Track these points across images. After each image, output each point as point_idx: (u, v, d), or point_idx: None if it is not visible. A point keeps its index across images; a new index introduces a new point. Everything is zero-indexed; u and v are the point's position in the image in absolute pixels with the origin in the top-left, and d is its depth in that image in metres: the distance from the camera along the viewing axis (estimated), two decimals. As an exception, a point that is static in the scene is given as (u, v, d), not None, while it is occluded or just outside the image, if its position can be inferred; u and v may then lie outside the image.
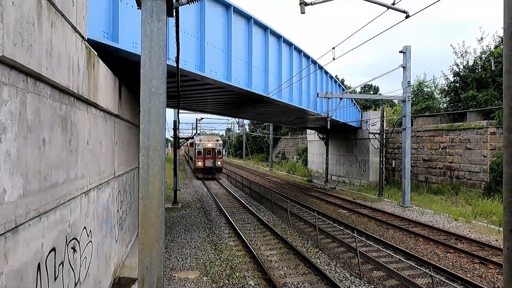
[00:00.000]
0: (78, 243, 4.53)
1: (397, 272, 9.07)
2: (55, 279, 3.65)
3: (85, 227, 4.84)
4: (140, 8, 3.32)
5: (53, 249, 3.60)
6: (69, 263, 4.16)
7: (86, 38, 4.71)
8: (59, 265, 3.80)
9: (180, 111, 15.31)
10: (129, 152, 8.88)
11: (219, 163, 34.00)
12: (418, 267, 8.31)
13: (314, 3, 5.66)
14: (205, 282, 8.68)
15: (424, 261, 10.08)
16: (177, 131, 20.25)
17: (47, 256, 3.45)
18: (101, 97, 5.52)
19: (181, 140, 22.13)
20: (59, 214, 3.79)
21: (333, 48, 6.39)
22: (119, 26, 6.18)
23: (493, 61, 21.19)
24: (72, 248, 4.26)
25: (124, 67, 7.31)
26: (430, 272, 7.03)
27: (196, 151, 33.36)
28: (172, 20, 5.67)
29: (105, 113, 6.07)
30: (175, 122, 20.68)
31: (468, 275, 9.28)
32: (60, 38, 3.60)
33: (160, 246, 3.21)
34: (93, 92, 5.01)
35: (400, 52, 20.02)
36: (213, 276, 9.08)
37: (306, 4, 5.44)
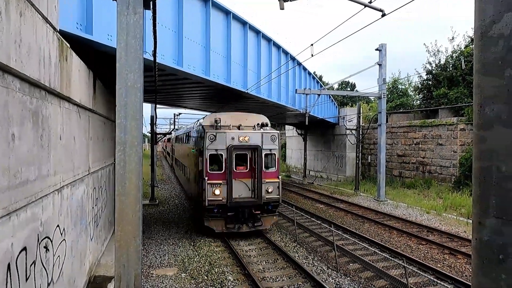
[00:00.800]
0: (51, 242, 4.38)
1: (372, 264, 9.35)
2: (27, 279, 3.53)
3: (58, 226, 4.69)
4: (116, 0, 3.22)
5: (24, 249, 3.47)
6: (42, 262, 4.02)
7: (58, 30, 4.52)
8: (31, 264, 3.66)
9: (157, 106, 15.02)
10: (104, 148, 8.65)
11: (271, 189, 12.12)
12: (392, 258, 8.59)
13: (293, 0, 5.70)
14: (184, 279, 8.62)
15: (398, 253, 10.44)
16: (154, 127, 19.89)
17: (18, 256, 3.32)
18: (75, 91, 5.34)
19: (158, 136, 21.74)
20: (30, 213, 3.65)
21: (312, 44, 6.45)
22: (93, 18, 5.97)
23: (463, 60, 22.04)
24: (44, 247, 4.12)
25: (99, 60, 7.09)
26: (403, 264, 7.29)
27: (206, 154, 11.55)
28: (148, 13, 5.54)
29: (79, 107, 5.88)
30: (152, 117, 20.30)
31: (439, 265, 9.69)
32: (30, 29, 3.44)
33: (137, 243, 3.16)
34: (66, 86, 4.83)
35: (376, 49, 20.47)
36: (191, 272, 9.03)
37: (285, 0, 5.46)
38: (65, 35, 5.17)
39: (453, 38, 26.87)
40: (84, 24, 5.90)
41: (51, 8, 4.25)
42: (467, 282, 8.24)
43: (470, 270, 9.35)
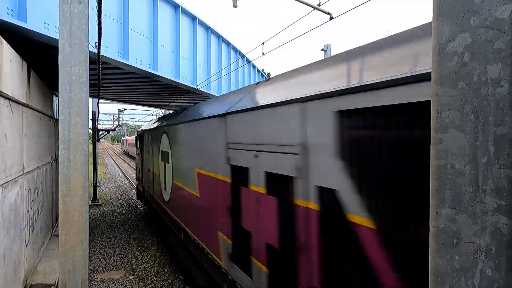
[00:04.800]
0: (-20, 250, 3.96)
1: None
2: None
3: (-12, 232, 4.25)
4: (57, -14, 2.99)
5: None
6: (-31, 273, 3.62)
7: (-14, 15, 4.08)
8: (-44, 277, 3.28)
9: (100, 101, 14.20)
10: (40, 146, 7.97)
11: None
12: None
13: (247, -2, 5.72)
14: (131, 281, 8.30)
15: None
16: (96, 123, 18.74)
17: None
18: (6, 83, 4.84)
19: (100, 133, 20.54)
20: (-45, 219, 3.27)
21: (263, 43, 6.55)
22: (26, 3, 5.46)
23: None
24: (-28, 256, 3.71)
25: (34, 50, 6.50)
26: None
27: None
28: (91, 2, 5.21)
29: (11, 101, 5.35)
30: (94, 112, 19.08)
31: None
32: (-47, 13, 3.06)
33: (84, 247, 2.99)
34: (-4, 78, 4.37)
35: (322, 50, 21.35)
36: (140, 274, 8.72)
37: (238, -2, 5.48)
38: (-6, 21, 4.68)
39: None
40: (16, 10, 5.37)
41: (-22, -10, 3.81)
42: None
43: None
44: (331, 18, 5.33)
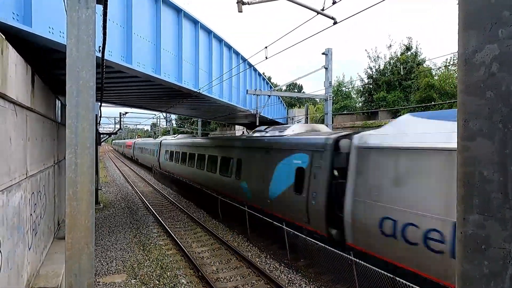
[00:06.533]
0: (-15, 254, 3.96)
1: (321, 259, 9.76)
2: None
3: (-7, 235, 4.25)
4: (65, -8, 3.02)
5: (-46, 263, 3.11)
6: (-26, 277, 3.62)
7: (-7, 20, 4.11)
8: (-38, 280, 3.29)
9: (102, 104, 14.23)
10: (43, 149, 7.98)
11: None
12: (340, 252, 9.05)
13: (251, 3, 5.74)
14: (134, 285, 8.28)
15: (344, 247, 11.02)
16: (98, 126, 18.78)
17: None
18: (11, 87, 4.87)
19: (102, 136, 20.58)
20: (-39, 222, 3.28)
21: (266, 47, 6.57)
22: (32, 8, 5.49)
23: (402, 68, 24.00)
24: (-23, 260, 3.71)
25: (38, 54, 6.54)
26: (351, 257, 7.73)
27: None
28: (98, 7, 5.24)
29: (15, 105, 5.37)
30: (96, 116, 19.12)
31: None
32: (-39, 18, 3.09)
33: (90, 250, 2.99)
34: (2, 82, 4.40)
35: (323, 54, 21.39)
36: (142, 277, 8.70)
37: (244, 3, 5.50)
38: (0, 27, 4.71)
39: (390, 45, 29.05)
40: (21, 14, 5.41)
41: (-15, -4, 3.84)
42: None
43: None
44: (335, 23, 5.36)
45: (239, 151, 14.72)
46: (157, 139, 37.41)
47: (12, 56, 4.95)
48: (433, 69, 24.69)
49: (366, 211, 7.37)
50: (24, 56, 5.73)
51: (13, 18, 5.27)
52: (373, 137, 7.61)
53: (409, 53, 27.48)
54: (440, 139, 6.02)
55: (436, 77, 23.68)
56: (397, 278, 6.07)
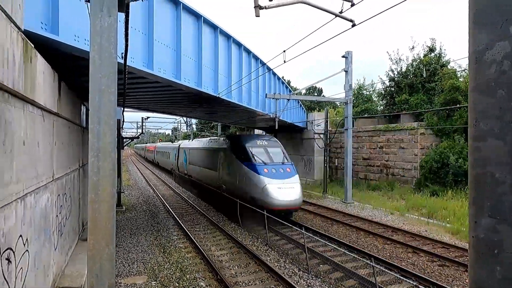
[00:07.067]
0: (14, 253, 4.13)
1: (342, 264, 9.61)
2: (-12, 294, 3.30)
3: (21, 236, 4.43)
4: (88, 1, 3.13)
5: (-15, 262, 3.25)
6: (3, 275, 3.78)
7: (23, 30, 4.31)
8: (-8, 278, 3.44)
9: (125, 109, 14.60)
10: (68, 153, 8.27)
11: None
12: (361, 258, 8.89)
13: (269, 7, 5.78)
14: (154, 287, 8.41)
15: (365, 253, 10.81)
16: (121, 131, 19.29)
17: (-22, 270, 3.10)
18: (39, 93, 5.09)
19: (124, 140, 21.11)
20: (-8, 223, 3.43)
21: (284, 51, 6.58)
22: (59, 18, 5.73)
23: (424, 69, 23.38)
24: (6, 259, 3.87)
25: (64, 61, 6.80)
26: (371, 263, 7.57)
27: None
28: (120, 14, 5.41)
29: (43, 111, 5.60)
30: (118, 121, 19.67)
31: (403, 263, 10.15)
32: (-6, 29, 3.26)
33: (111, 251, 3.07)
34: (30, 88, 4.60)
35: (343, 57, 21.16)
36: (162, 280, 8.83)
37: (261, 8, 5.54)
38: (29, 35, 4.93)
39: (413, 47, 28.39)
40: (49, 24, 5.65)
41: (16, 7, 4.04)
42: (429, 279, 8.70)
43: (432, 267, 9.89)
44: (353, 25, 5.30)
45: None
46: (175, 143, 42.04)
47: (40, 64, 5.18)
48: (458, 71, 23.94)
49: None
50: (51, 63, 5.98)
51: (42, 28, 5.51)
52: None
53: (432, 54, 26.78)
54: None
55: (461, 79, 22.94)
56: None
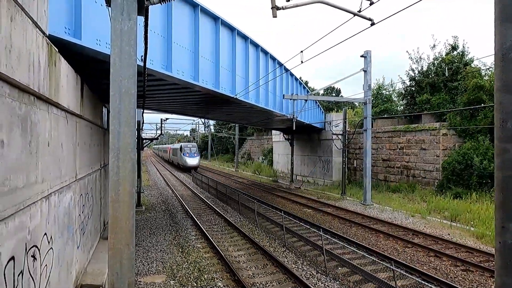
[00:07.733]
0: (39, 250, 4.27)
1: (361, 267, 9.45)
2: (14, 289, 3.42)
3: (45, 234, 4.58)
4: (109, 6, 3.21)
5: (12, 258, 3.38)
6: (29, 272, 3.92)
7: (48, 34, 4.47)
8: (19, 274, 3.57)
9: (144, 111, 14.88)
10: (90, 154, 8.50)
11: None
12: (380, 262, 8.72)
13: (286, 8, 5.76)
14: (173, 286, 8.52)
15: (385, 256, 10.59)
16: (140, 132, 19.68)
17: (6, 266, 3.23)
18: (63, 96, 5.25)
19: (144, 141, 21.54)
20: (19, 221, 3.56)
21: (301, 51, 6.54)
22: (81, 22, 5.91)
23: (446, 68, 22.74)
24: (32, 256, 4.01)
25: (86, 64, 7.00)
26: (391, 267, 7.41)
27: None
28: (139, 18, 5.52)
29: (67, 113, 5.78)
30: (138, 122, 20.08)
31: (425, 267, 9.88)
32: (20, 34, 3.39)
33: (131, 250, 3.13)
34: (55, 91, 4.75)
35: (362, 56, 20.86)
36: (180, 279, 8.93)
37: (278, 9, 5.53)
38: (53, 40, 5.10)
39: (434, 45, 27.67)
40: (72, 29, 5.83)
41: (41, 13, 4.19)
42: (452, 284, 8.43)
43: (455, 272, 9.59)
44: (372, 24, 5.21)
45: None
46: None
47: (64, 67, 5.35)
48: (483, 69, 23.13)
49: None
50: (74, 66, 6.17)
51: (65, 32, 5.70)
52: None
53: (455, 53, 26.01)
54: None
55: (486, 78, 22.16)
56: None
